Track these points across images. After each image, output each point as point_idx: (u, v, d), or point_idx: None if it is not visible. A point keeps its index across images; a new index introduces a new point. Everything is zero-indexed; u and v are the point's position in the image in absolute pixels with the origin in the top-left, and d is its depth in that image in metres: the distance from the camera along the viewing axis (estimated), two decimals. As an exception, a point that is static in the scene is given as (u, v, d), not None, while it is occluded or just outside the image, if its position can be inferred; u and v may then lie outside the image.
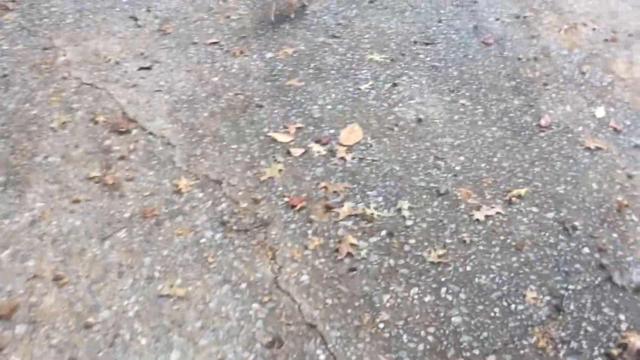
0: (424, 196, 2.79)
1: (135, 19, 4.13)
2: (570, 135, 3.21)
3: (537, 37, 4.12)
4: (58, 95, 3.35)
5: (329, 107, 3.36)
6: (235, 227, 2.60)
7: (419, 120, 3.27)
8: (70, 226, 2.58)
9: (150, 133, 3.11)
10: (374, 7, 4.45)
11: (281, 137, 3.11)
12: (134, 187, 2.78)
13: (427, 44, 4.02)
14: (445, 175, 2.92)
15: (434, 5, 4.50)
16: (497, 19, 4.35)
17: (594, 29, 4.25)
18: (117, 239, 2.53)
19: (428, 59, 3.86)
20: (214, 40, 3.94)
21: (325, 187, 2.82)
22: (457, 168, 2.96)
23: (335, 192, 2.79)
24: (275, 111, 3.31)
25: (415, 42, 4.02)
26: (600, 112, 3.38)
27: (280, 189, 2.81)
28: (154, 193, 2.76)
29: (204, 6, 4.35)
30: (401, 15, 4.35)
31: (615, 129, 3.24)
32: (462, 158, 3.02)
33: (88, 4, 4.30)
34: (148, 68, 3.61)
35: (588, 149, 3.10)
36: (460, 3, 4.58)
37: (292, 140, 3.10)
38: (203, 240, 2.54)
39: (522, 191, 2.80)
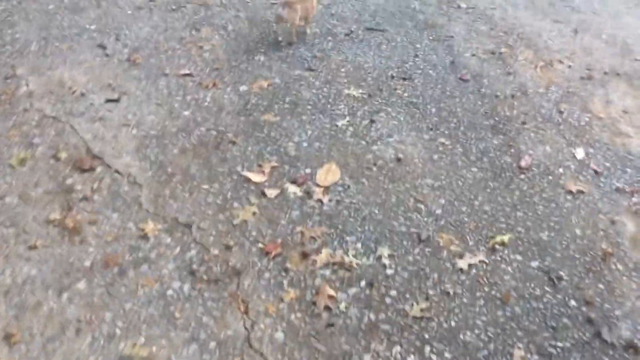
0: (405, 242, 2.62)
1: (104, 48, 3.92)
2: (551, 177, 3.09)
3: (514, 74, 4.03)
4: (18, 129, 3.12)
5: (305, 144, 3.19)
6: (205, 277, 2.40)
7: (398, 160, 3.12)
8: (25, 276, 2.34)
9: (116, 171, 2.89)
10: (350, 40, 4.32)
11: (255, 177, 2.92)
12: (96, 232, 2.56)
13: (404, 79, 3.89)
14: (426, 219, 2.76)
15: (410, 39, 4.39)
16: (474, 55, 4.26)
17: (569, 66, 4.18)
18: (76, 290, 2.30)
19: (406, 94, 3.72)
20: (186, 71, 3.75)
21: (301, 232, 2.63)
22: (438, 212, 2.81)
23: (312, 237, 2.61)
24: (249, 148, 3.13)
25: (392, 77, 3.89)
26: (580, 153, 3.27)
27: (254, 233, 2.62)
28: (117, 238, 2.54)
29: (175, 35, 4.16)
30: (377, 49, 4.22)
31: (595, 172, 3.13)
32: (442, 201, 2.87)
33: (54, 30, 4.08)
34: (116, 100, 3.40)
35: (570, 192, 2.98)
36: (437, 37, 4.48)
37: (266, 181, 2.92)
38: (170, 292, 2.33)
39: (506, 238, 2.66)
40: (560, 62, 4.26)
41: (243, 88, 3.64)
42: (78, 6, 4.44)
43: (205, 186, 2.86)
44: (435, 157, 3.18)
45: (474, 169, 3.10)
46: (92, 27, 4.18)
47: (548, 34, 4.65)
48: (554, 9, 5.14)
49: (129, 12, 4.43)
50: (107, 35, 4.08)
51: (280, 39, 4.16)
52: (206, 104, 3.46)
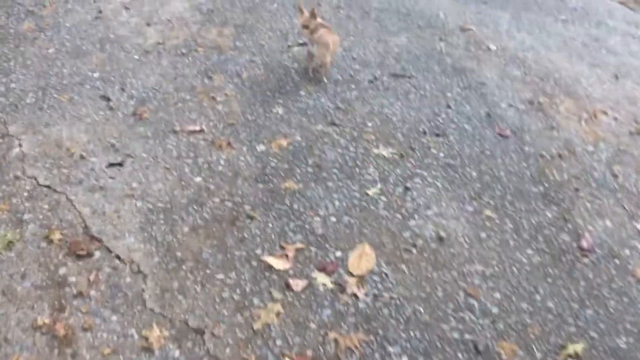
0: (460, 355, 2.12)
1: (108, 100, 3.46)
2: (617, 261, 2.60)
3: (557, 128, 3.55)
4: (7, 201, 2.64)
5: (333, 218, 2.71)
6: (222, 407, 1.89)
7: (440, 239, 2.63)
8: (1, 408, 1.85)
9: (117, 257, 2.41)
10: (375, 88, 3.85)
11: (278, 263, 2.44)
12: (91, 341, 2.07)
13: (437, 135, 3.41)
14: (481, 321, 2.26)
15: (439, 87, 3.92)
16: (511, 105, 3.78)
17: (615, 119, 3.71)
18: None
19: (441, 154, 3.24)
20: (197, 127, 3.28)
21: (335, 340, 2.14)
22: (495, 310, 2.31)
23: (348, 347, 2.11)
24: (270, 224, 2.64)
25: (424, 133, 3.41)
26: (645, 228, 2.78)
27: (279, 342, 2.13)
28: (116, 350, 2.05)
29: (185, 84, 3.70)
30: (405, 98, 3.75)
31: (667, 253, 2.63)
32: (498, 295, 2.38)
33: (54, 79, 3.62)
34: (119, 164, 2.93)
35: (641, 281, 2.48)
36: (468, 84, 4.00)
37: (291, 268, 2.43)
38: None
39: (579, 347, 2.17)
40: (605, 113, 3.78)
41: (260, 148, 3.16)
42: (80, 50, 3.99)
43: (220, 276, 2.37)
44: (483, 235, 2.68)
45: (529, 251, 2.60)
46: (95, 74, 3.71)
47: (587, 80, 4.17)
48: (588, 50, 4.67)
49: (136, 57, 3.97)
50: (112, 85, 3.61)
51: (311, 73, 3.70)
52: (220, 168, 2.98)
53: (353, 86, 3.87)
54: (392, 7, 5.21)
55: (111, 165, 2.94)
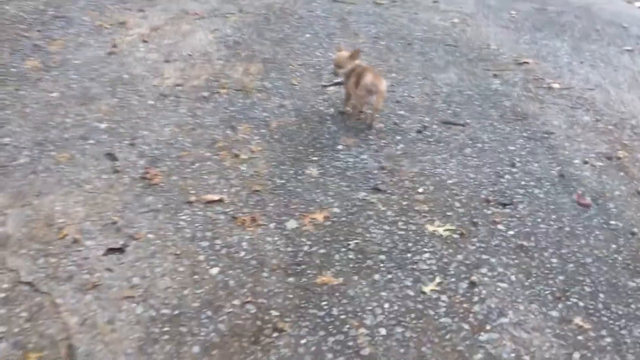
0: None
1: (114, 158, 2.85)
2: None
3: (647, 195, 2.82)
4: (-24, 306, 2.02)
5: (383, 330, 2.05)
6: None
7: (523, 365, 1.93)
8: None
9: (107, 396, 1.77)
10: (425, 141, 3.17)
11: (314, 405, 1.76)
12: None
13: (504, 205, 2.73)
14: None
15: (499, 137, 3.23)
16: (586, 162, 3.08)
17: None
18: None
19: (511, 232, 2.55)
20: (217, 196, 2.65)
21: None
22: None
23: None
24: (303, 341, 2.00)
25: (487, 201, 2.73)
26: None
27: None
28: None
29: (205, 138, 3.07)
30: (461, 154, 3.07)
31: None
32: None
33: (54, 132, 3.03)
34: (120, 250, 2.31)
35: None
36: (532, 134, 3.31)
37: (331, 412, 1.76)
38: None
39: None
40: (701, 172, 3.04)
41: (291, 225, 2.52)
42: (88, 94, 3.40)
43: None
44: (577, 356, 1.98)
45: (642, 386, 1.89)
46: (102, 125, 3.11)
47: (671, 128, 3.43)
48: (665, 89, 3.92)
49: (151, 102, 3.36)
50: (120, 139, 3.00)
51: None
52: (242, 253, 2.35)
53: (399, 138, 3.20)
54: (436, 36, 4.53)
55: (110, 251, 2.32)
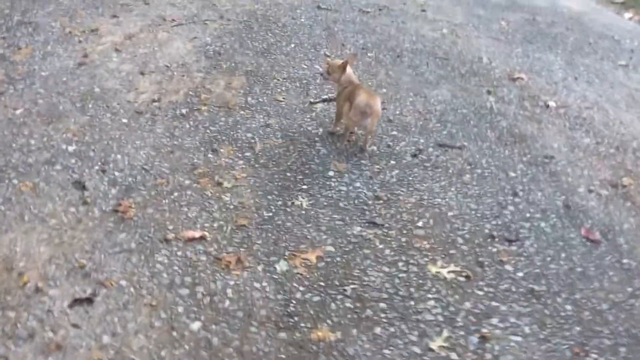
0: None
1: (83, 187, 2.53)
2: None
3: (658, 228, 2.60)
4: None
5: (387, 398, 1.76)
6: None
7: None
8: None
9: None
10: (421, 166, 2.92)
11: None
12: None
13: (510, 242, 2.49)
14: None
15: (498, 162, 3.00)
16: (590, 191, 2.86)
17: None
18: None
19: (520, 274, 2.32)
20: (198, 233, 2.36)
21: None
22: None
23: None
24: (298, 413, 1.69)
25: (492, 237, 2.49)
26: None
27: None
28: None
29: (184, 162, 2.77)
30: (460, 181, 2.82)
31: None
32: None
33: (16, 155, 2.69)
34: (88, 301, 2.00)
35: None
36: (533, 159, 3.08)
37: None
38: None
39: None
40: None
41: (282, 266, 2.24)
42: (56, 110, 3.06)
43: None
44: None
45: None
46: (71, 147, 2.78)
47: (674, 151, 3.23)
48: (664, 108, 3.73)
49: (124, 120, 3.04)
50: (90, 164, 2.68)
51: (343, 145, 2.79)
52: (227, 303, 2.06)
53: (393, 162, 2.93)
54: (426, 48, 4.27)
55: (77, 302, 2.00)
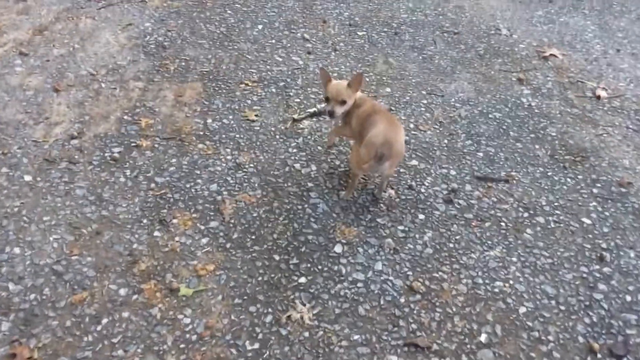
0: None
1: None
2: None
3: None
4: None
5: None
6: None
7: None
8: None
9: None
10: (460, 219, 1.92)
11: None
12: None
13: (619, 358, 1.47)
14: None
15: (563, 201, 2.08)
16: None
17: None
18: None
19: None
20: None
21: None
22: None
23: None
24: None
25: (593, 353, 1.47)
26: None
27: None
28: None
29: (118, 251, 1.71)
30: (520, 244, 1.86)
31: None
32: None
33: None
34: None
35: None
36: (605, 190, 2.22)
37: None
38: None
39: None
40: None
41: None
42: None
43: None
44: None
45: None
46: (-61, 242, 1.63)
47: None
48: None
49: (26, 178, 1.91)
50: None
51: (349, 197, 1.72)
52: None
53: (422, 217, 1.89)
54: (428, 19, 3.12)
55: None
